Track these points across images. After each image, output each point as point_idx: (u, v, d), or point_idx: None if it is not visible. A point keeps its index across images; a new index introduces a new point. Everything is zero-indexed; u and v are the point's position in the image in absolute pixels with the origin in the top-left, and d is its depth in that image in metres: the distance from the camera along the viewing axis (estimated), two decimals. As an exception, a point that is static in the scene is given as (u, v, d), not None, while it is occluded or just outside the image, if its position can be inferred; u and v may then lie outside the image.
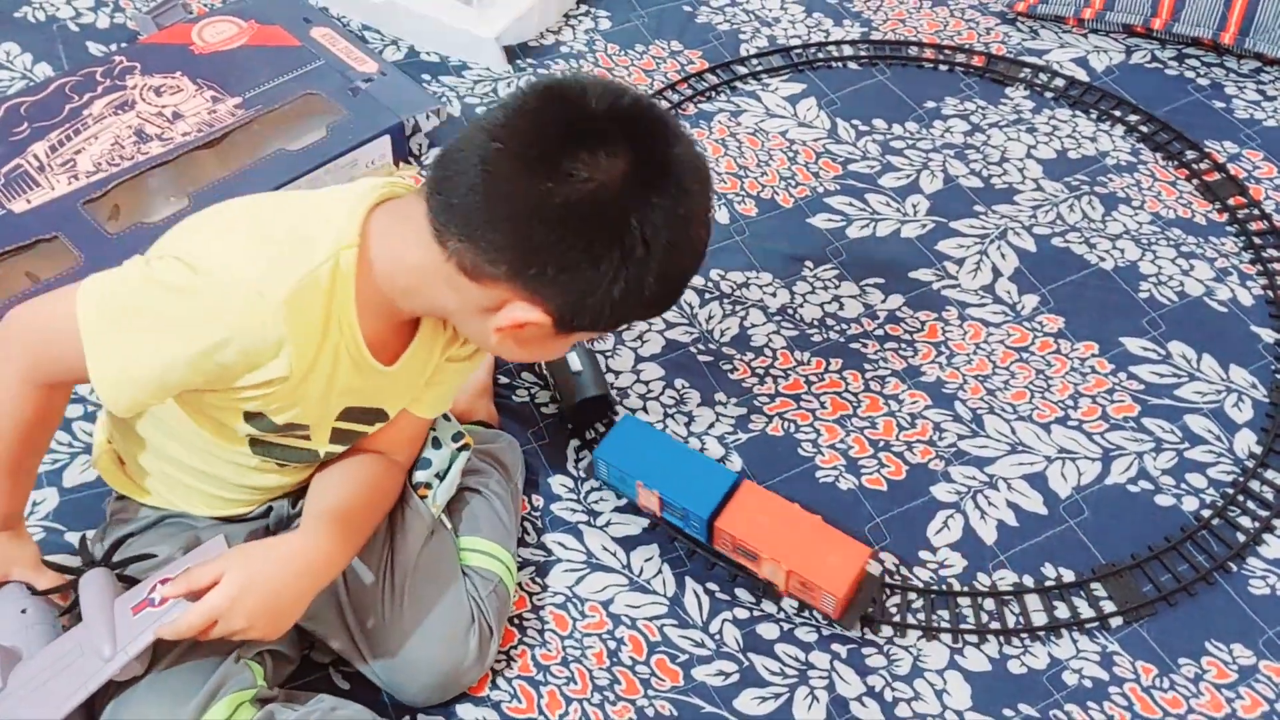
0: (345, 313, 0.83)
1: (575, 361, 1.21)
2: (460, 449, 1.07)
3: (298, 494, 1.03)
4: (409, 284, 0.84)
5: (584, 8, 1.74)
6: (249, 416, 0.88)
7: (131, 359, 0.81)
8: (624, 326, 0.88)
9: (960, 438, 1.23)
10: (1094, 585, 1.11)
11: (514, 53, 1.65)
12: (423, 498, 1.03)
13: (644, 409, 1.24)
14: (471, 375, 1.22)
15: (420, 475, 1.04)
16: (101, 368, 0.81)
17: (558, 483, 1.19)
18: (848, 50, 1.66)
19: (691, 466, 1.11)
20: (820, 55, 1.65)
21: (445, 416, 1.08)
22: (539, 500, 1.17)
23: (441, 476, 1.05)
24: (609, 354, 1.29)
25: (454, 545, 1.05)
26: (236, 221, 0.85)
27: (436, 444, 1.05)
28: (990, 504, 1.17)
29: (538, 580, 1.11)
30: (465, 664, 1.00)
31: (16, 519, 0.96)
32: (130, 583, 0.93)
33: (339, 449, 0.96)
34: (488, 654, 1.02)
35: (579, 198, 0.76)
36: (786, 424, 1.24)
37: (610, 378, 1.27)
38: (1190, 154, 1.51)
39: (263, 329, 0.79)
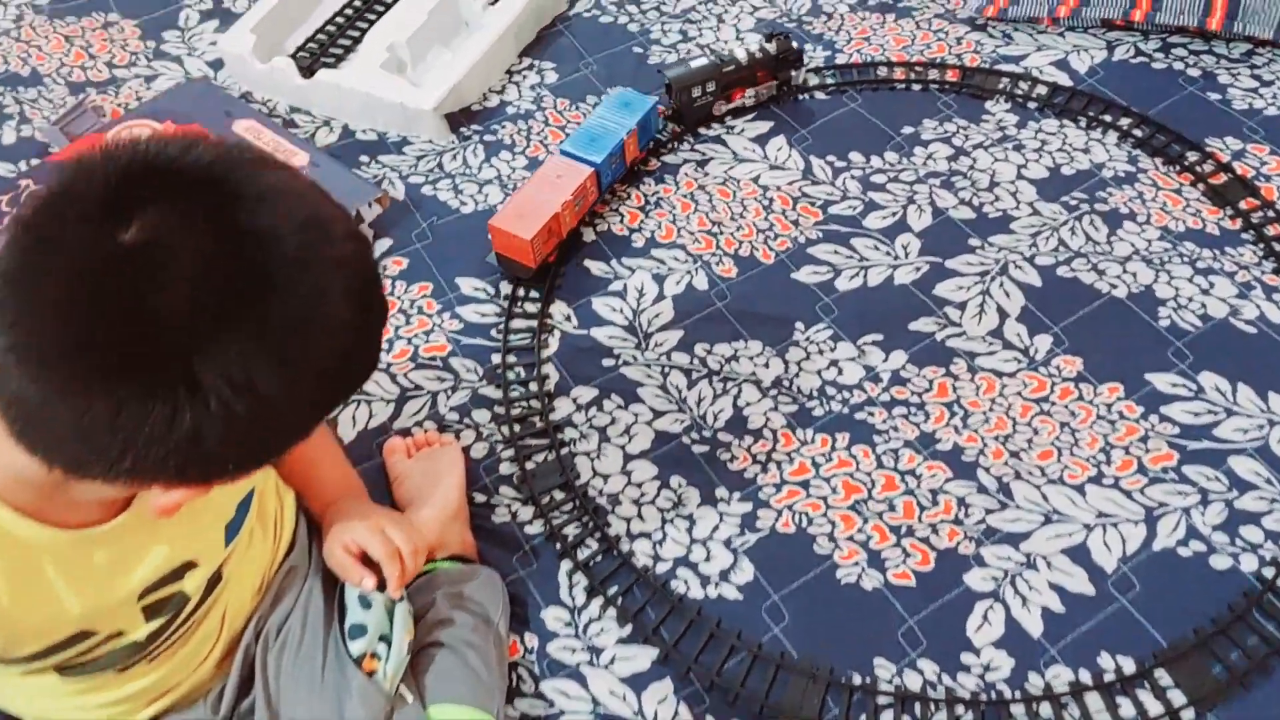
0: None
1: None
2: (394, 599, 0.94)
3: (217, 696, 0.92)
4: (40, 485, 0.69)
5: (527, 60, 1.62)
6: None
7: None
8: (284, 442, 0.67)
9: (988, 512, 1.11)
10: (1158, 673, 1.00)
11: (457, 119, 1.53)
12: (371, 673, 0.90)
13: (639, 515, 1.13)
14: (441, 499, 1.10)
15: (359, 646, 0.90)
16: None
17: (552, 616, 1.06)
18: (813, 79, 1.55)
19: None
20: (784, 87, 1.53)
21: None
22: (532, 640, 1.05)
23: (387, 639, 0.92)
24: (593, 455, 1.17)
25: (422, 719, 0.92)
26: None
27: (365, 603, 0.92)
28: (1031, 588, 1.06)
29: (542, 736, 1.00)
30: None
31: None
32: None
33: (161, 621, 0.83)
34: None
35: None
36: (797, 517, 1.12)
37: (599, 483, 1.15)
38: (1191, 155, 1.41)
39: None
